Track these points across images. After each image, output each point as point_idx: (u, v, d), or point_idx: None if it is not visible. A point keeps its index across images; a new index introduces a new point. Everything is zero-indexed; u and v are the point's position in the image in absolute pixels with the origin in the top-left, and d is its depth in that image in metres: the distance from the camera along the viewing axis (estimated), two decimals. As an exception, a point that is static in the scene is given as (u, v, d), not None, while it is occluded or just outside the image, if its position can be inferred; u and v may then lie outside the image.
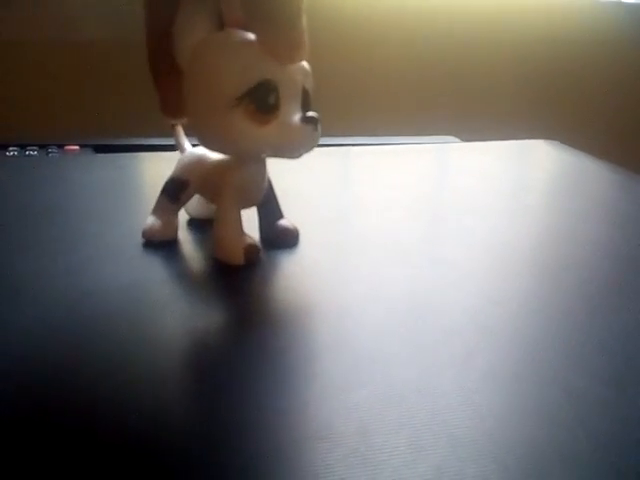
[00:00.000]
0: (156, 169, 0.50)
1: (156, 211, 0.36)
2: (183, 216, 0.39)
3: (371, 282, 0.31)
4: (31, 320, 0.27)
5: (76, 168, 0.51)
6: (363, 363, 0.24)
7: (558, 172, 0.55)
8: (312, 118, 0.30)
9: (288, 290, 0.31)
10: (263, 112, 0.29)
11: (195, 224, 0.39)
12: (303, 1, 0.28)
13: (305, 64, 0.31)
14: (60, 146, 0.95)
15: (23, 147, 0.94)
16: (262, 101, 0.29)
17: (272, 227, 0.36)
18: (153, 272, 0.32)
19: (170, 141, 0.38)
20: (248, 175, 0.33)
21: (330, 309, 0.29)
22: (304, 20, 0.28)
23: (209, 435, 0.20)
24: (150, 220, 0.36)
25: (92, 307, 0.28)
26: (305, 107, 0.30)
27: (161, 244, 0.35)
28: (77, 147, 0.96)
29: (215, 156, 0.33)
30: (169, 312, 0.28)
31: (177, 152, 0.38)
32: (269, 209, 0.36)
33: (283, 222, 0.37)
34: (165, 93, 0.33)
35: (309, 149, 0.31)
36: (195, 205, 0.38)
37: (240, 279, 0.32)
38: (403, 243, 0.37)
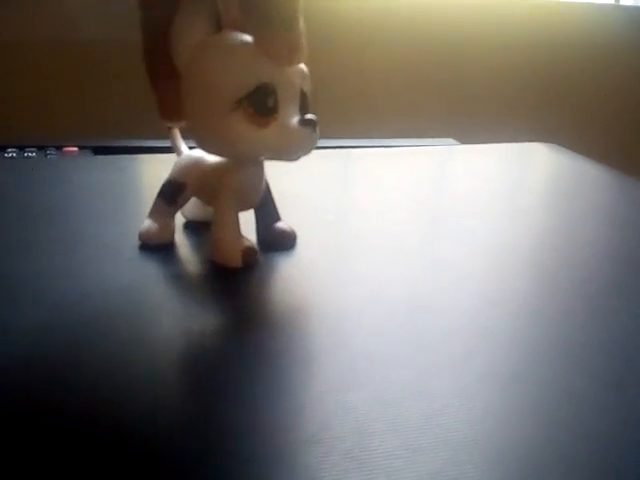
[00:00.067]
0: (155, 171, 0.50)
1: (153, 214, 0.36)
2: (180, 219, 0.39)
3: (369, 284, 0.32)
4: (31, 320, 0.27)
5: (75, 169, 0.51)
6: (361, 365, 0.24)
7: (556, 175, 0.55)
8: (310, 121, 0.30)
9: (285, 292, 0.31)
10: (262, 115, 0.29)
11: (192, 227, 0.39)
12: (300, 3, 0.28)
13: (303, 66, 0.31)
14: (59, 148, 0.95)
15: (21, 149, 0.94)
16: (261, 104, 0.29)
17: (269, 229, 0.36)
18: (151, 274, 0.32)
19: (169, 143, 0.38)
20: (246, 178, 0.33)
21: (328, 311, 0.29)
22: (302, 22, 0.28)
23: (205, 437, 0.20)
24: (147, 223, 0.36)
25: (91, 308, 0.28)
26: (303, 109, 0.30)
27: (158, 246, 0.35)
28: (76, 149, 0.96)
29: (212, 158, 0.33)
30: (167, 314, 0.28)
31: (176, 159, 0.38)
32: (266, 211, 0.36)
33: (280, 224, 0.37)
34: (162, 96, 0.33)
35: (307, 151, 0.31)
36: (191, 208, 0.38)
37: (237, 281, 0.32)
38: (401, 245, 0.37)
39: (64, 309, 0.28)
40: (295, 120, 0.29)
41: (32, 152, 0.93)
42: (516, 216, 0.42)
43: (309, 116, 0.30)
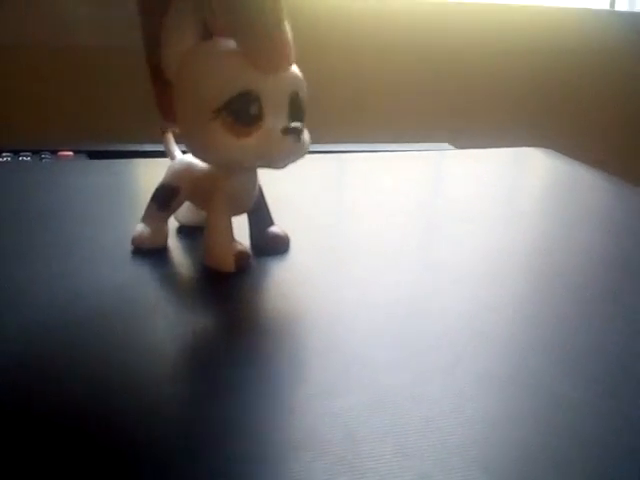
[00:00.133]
0: (150, 175, 0.50)
1: (146, 218, 0.36)
2: (173, 223, 0.39)
3: (362, 288, 0.32)
4: (26, 320, 0.27)
5: (70, 173, 0.51)
6: (352, 369, 0.24)
7: (551, 179, 0.56)
8: (294, 129, 0.29)
9: (278, 296, 0.31)
10: (243, 124, 0.29)
11: (185, 231, 0.39)
12: (283, 9, 0.27)
13: (295, 72, 0.30)
14: (53, 152, 0.95)
15: (16, 153, 0.94)
16: (242, 113, 0.28)
17: (263, 234, 0.36)
18: (145, 277, 0.32)
19: (163, 148, 0.38)
20: (239, 182, 0.33)
21: (320, 315, 0.29)
22: (286, 28, 0.28)
23: (195, 439, 0.20)
24: (139, 227, 0.36)
25: (85, 308, 0.29)
26: (295, 116, 0.30)
27: (152, 250, 0.35)
28: (71, 153, 0.96)
29: (205, 163, 0.34)
30: (160, 316, 0.28)
31: (170, 164, 0.38)
32: (260, 216, 0.36)
33: (274, 229, 0.37)
34: (162, 98, 0.33)
35: (292, 160, 0.31)
36: (185, 212, 0.38)
37: (230, 286, 0.32)
38: (395, 249, 0.37)
39: (59, 310, 0.28)
40: (279, 128, 0.29)
41: (27, 156, 0.93)
42: (511, 221, 0.42)
43: (293, 124, 0.29)
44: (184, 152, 0.35)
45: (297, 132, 0.29)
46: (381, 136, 1.31)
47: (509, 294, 0.31)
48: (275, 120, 0.29)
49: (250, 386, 0.23)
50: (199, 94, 0.29)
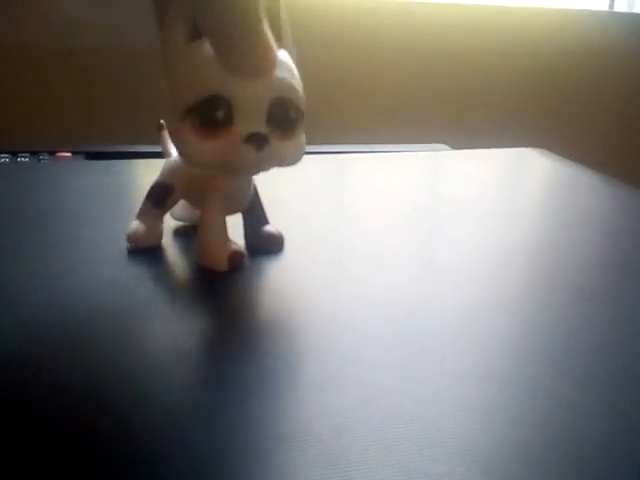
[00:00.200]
0: (147, 176, 0.50)
1: (141, 216, 0.36)
2: (171, 221, 0.39)
3: (357, 288, 0.32)
4: (24, 318, 0.28)
5: (68, 174, 0.51)
6: (344, 367, 0.25)
7: (547, 180, 0.56)
8: (255, 137, 0.29)
9: (272, 295, 0.31)
10: (209, 127, 0.28)
11: (182, 230, 0.39)
12: (259, 13, 0.26)
13: (281, 76, 0.29)
14: (51, 153, 0.96)
15: (14, 154, 0.94)
16: (208, 116, 0.28)
17: (257, 233, 0.37)
18: (142, 277, 0.32)
19: (160, 148, 0.39)
20: (233, 182, 0.33)
21: (314, 314, 0.29)
22: (263, 31, 0.26)
23: (187, 434, 0.21)
24: (134, 225, 0.36)
25: (84, 309, 0.29)
26: (279, 122, 0.29)
27: (149, 249, 0.36)
28: (69, 154, 0.96)
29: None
30: (156, 316, 0.28)
31: (164, 161, 0.38)
32: (254, 215, 0.37)
33: (268, 228, 0.37)
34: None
35: (254, 169, 0.31)
36: (181, 210, 0.39)
37: (225, 285, 0.32)
38: (391, 249, 0.37)
39: (57, 309, 0.29)
40: (243, 135, 0.29)
41: (25, 157, 0.94)
42: (508, 221, 0.43)
43: (256, 132, 0.29)
44: None
45: (260, 140, 0.29)
46: (377, 137, 1.31)
47: (507, 295, 0.32)
48: (248, 126, 0.29)
49: (242, 382, 0.23)
50: (174, 94, 0.29)
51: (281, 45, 0.30)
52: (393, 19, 1.33)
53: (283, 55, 0.30)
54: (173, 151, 0.38)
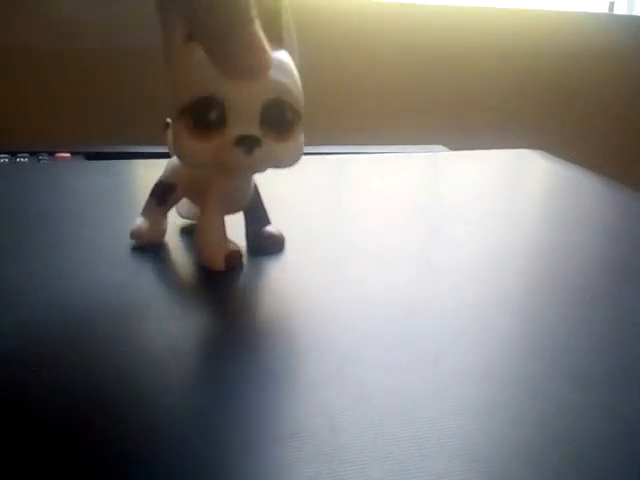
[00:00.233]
0: (147, 176, 0.50)
1: (145, 212, 0.37)
2: (178, 220, 0.39)
3: (357, 288, 0.32)
4: (24, 317, 0.28)
5: (68, 174, 0.51)
6: (342, 366, 0.25)
7: (544, 181, 0.56)
8: (245, 140, 0.28)
9: (271, 295, 0.31)
10: (202, 128, 0.28)
11: (189, 227, 0.39)
12: (249, 13, 0.25)
13: (276, 78, 0.29)
14: (51, 153, 0.96)
15: (14, 154, 0.94)
16: (201, 117, 0.28)
17: (258, 233, 0.37)
18: (142, 277, 0.32)
19: (161, 149, 0.39)
20: (232, 181, 0.33)
21: (313, 314, 0.29)
22: (254, 32, 0.26)
23: (184, 432, 0.21)
24: (139, 221, 0.37)
25: (83, 309, 0.29)
26: (273, 125, 0.29)
27: (152, 247, 0.36)
28: (68, 154, 0.96)
29: None
30: (156, 316, 0.28)
31: (168, 159, 0.38)
32: (256, 215, 0.37)
33: (269, 228, 0.37)
34: None
35: (247, 171, 0.31)
36: (187, 208, 0.39)
37: (224, 285, 0.32)
38: (390, 250, 0.37)
39: (57, 309, 0.29)
40: (233, 138, 0.28)
41: (24, 157, 0.93)
42: (506, 222, 0.43)
43: (246, 134, 0.28)
44: None
45: (249, 143, 0.28)
46: (375, 138, 1.31)
47: (507, 296, 0.32)
48: (240, 128, 0.28)
49: (241, 382, 0.23)
50: (172, 93, 0.29)
51: (281, 46, 0.29)
52: (392, 21, 1.33)
53: (282, 56, 0.29)
54: None
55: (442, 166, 0.59)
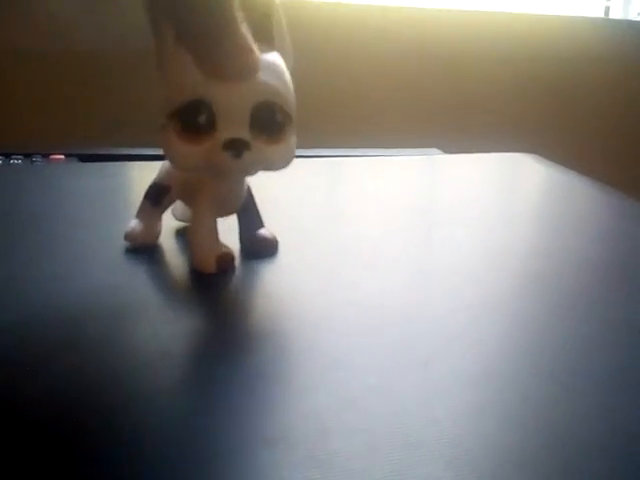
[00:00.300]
0: (141, 178, 0.50)
1: (139, 214, 0.37)
2: (172, 222, 0.39)
3: (348, 291, 0.32)
4: (16, 318, 0.28)
5: (61, 176, 0.51)
6: (334, 369, 0.25)
7: (538, 184, 0.56)
8: (234, 143, 0.28)
9: (264, 298, 0.31)
10: (191, 131, 0.28)
11: (184, 230, 0.39)
12: (233, 15, 0.25)
13: (265, 80, 0.28)
14: (45, 155, 0.95)
15: (7, 156, 0.94)
16: (189, 120, 0.28)
17: (252, 236, 0.37)
18: (136, 279, 0.32)
19: (155, 151, 0.39)
20: (224, 184, 0.33)
21: (305, 317, 0.29)
22: (239, 33, 0.26)
23: (173, 435, 0.21)
24: (133, 223, 0.37)
25: (77, 310, 0.29)
26: (263, 127, 0.29)
27: (146, 249, 0.36)
28: (62, 156, 0.96)
29: None
30: (149, 318, 0.28)
31: (162, 161, 0.38)
32: (249, 218, 0.37)
33: (262, 231, 0.37)
34: None
35: (238, 174, 0.31)
36: (182, 210, 0.39)
37: (217, 287, 0.32)
38: (384, 253, 0.37)
39: (51, 310, 0.29)
40: (222, 141, 0.28)
41: (18, 159, 0.93)
42: (500, 225, 0.43)
43: (234, 138, 0.28)
44: None
45: (238, 146, 0.28)
46: (370, 141, 1.32)
47: (501, 299, 0.32)
48: (229, 132, 0.28)
49: (232, 385, 0.23)
50: (163, 97, 0.29)
51: (272, 47, 0.29)
52: (387, 24, 1.33)
53: (272, 57, 0.29)
54: None
55: (437, 169, 0.60)
